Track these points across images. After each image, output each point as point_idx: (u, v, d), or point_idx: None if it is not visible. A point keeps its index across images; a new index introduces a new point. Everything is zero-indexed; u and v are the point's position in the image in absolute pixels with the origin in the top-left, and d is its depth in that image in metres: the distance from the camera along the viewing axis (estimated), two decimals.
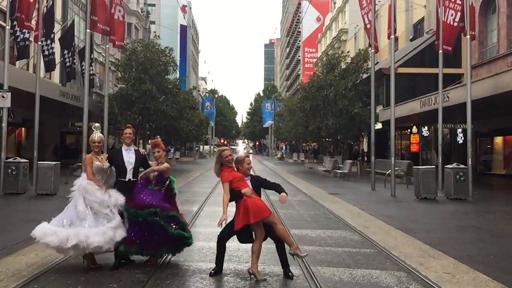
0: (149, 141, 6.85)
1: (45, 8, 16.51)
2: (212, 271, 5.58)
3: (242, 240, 5.67)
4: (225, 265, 5.96)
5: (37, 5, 15.90)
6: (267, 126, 66.60)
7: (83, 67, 18.54)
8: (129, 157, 6.07)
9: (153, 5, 71.61)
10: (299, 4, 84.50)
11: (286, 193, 5.67)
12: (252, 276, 5.41)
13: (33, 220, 9.08)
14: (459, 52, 24.55)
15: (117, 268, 5.73)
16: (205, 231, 8.33)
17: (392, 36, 15.94)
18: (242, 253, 6.62)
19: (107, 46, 18.64)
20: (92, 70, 22.92)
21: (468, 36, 15.07)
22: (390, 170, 15.72)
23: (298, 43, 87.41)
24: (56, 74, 27.82)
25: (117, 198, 5.81)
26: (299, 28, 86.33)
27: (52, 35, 18.25)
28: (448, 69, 22.07)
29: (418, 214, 11.03)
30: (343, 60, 30.66)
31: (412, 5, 31.34)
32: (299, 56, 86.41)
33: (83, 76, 18.22)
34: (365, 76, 28.50)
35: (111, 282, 5.26)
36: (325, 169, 26.09)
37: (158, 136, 6.53)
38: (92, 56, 21.97)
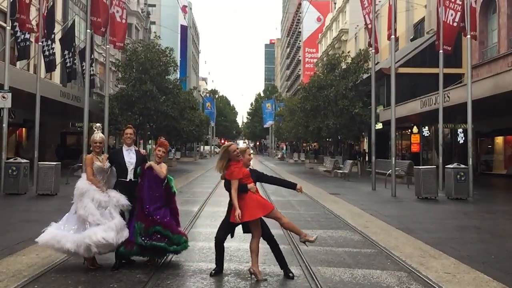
0: (160, 139, 6.85)
1: (46, 9, 16.49)
2: (213, 271, 5.58)
3: (246, 229, 5.66)
4: (225, 265, 5.96)
5: (38, 6, 15.90)
6: (268, 126, 66.61)
7: (84, 68, 18.53)
8: (129, 157, 6.07)
9: (154, 5, 71.65)
10: (300, 4, 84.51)
11: (296, 183, 5.84)
12: (253, 276, 5.41)
13: (33, 221, 9.12)
14: (459, 52, 24.56)
15: (118, 268, 5.73)
16: (205, 231, 8.33)
17: (393, 36, 15.93)
18: (242, 253, 6.61)
19: (107, 46, 18.65)
20: (93, 70, 22.93)
21: (468, 36, 15.07)
22: (390, 170, 15.72)
23: (299, 43, 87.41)
24: (56, 75, 27.86)
25: (119, 199, 5.80)
26: (299, 28, 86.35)
27: (53, 35, 18.26)
28: (449, 69, 22.05)
29: (419, 214, 11.02)
30: (343, 60, 30.66)
31: (412, 5, 31.34)
32: (299, 56, 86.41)
33: (84, 76, 18.22)
34: (365, 76, 28.49)
35: (112, 282, 5.26)
36: (326, 169, 26.09)
37: (163, 138, 6.54)
38: (92, 57, 21.96)
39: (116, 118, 26.00)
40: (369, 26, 17.82)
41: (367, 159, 34.10)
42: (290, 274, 5.49)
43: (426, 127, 28.87)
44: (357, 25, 43.22)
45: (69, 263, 5.97)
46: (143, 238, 5.68)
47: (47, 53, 18.07)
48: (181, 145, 56.61)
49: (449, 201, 13.37)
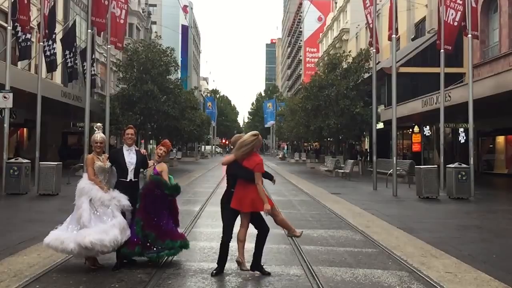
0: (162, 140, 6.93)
1: (47, 9, 16.50)
2: (214, 271, 5.58)
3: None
4: (227, 265, 5.96)
5: (38, 6, 15.93)
6: (269, 126, 66.61)
7: (85, 68, 18.53)
8: (130, 157, 6.07)
9: (154, 5, 71.68)
10: (301, 3, 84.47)
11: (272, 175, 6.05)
12: (238, 266, 5.49)
13: (35, 221, 9.13)
14: (460, 52, 24.52)
15: (119, 268, 5.73)
16: (206, 231, 8.34)
17: (394, 36, 15.93)
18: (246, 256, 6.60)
19: (108, 46, 18.68)
20: (94, 70, 22.94)
21: (469, 36, 15.05)
22: (392, 170, 15.70)
23: (300, 43, 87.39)
24: (57, 75, 27.87)
25: (120, 199, 5.81)
26: (300, 28, 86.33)
27: (54, 35, 18.27)
28: (450, 68, 22.01)
29: (420, 213, 11.02)
30: (344, 59, 30.64)
31: (413, 5, 31.31)
32: (300, 56, 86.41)
33: (85, 76, 18.23)
34: (366, 75, 28.47)
35: (113, 282, 5.27)
36: (327, 169, 26.07)
37: (167, 140, 6.57)
38: (93, 57, 21.98)
39: (117, 118, 26.00)
40: (371, 26, 17.83)
41: (368, 158, 34.08)
42: (262, 270, 5.59)
43: (427, 127, 28.84)
44: (358, 25, 43.19)
45: (71, 263, 5.98)
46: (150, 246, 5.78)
47: (48, 53, 18.08)
48: (182, 145, 56.62)
49: (450, 200, 13.36)
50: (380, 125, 25.26)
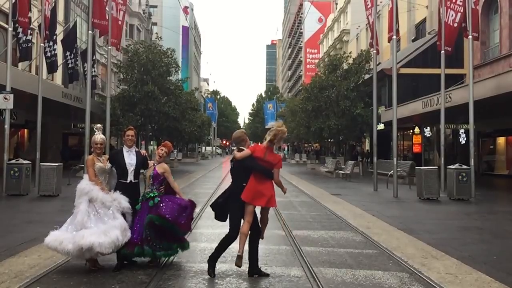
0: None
1: (49, 10, 16.53)
2: (212, 271, 5.56)
3: (219, 216, 5.82)
4: (227, 266, 5.98)
5: (39, 7, 15.96)
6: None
7: (85, 69, 18.58)
8: (130, 158, 6.08)
9: (155, 6, 71.76)
10: (301, 5, 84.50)
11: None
12: (238, 261, 5.47)
13: (35, 222, 9.13)
14: (461, 53, 24.52)
15: (120, 269, 5.74)
16: (207, 232, 8.34)
17: (394, 37, 15.94)
18: (243, 254, 6.59)
19: (109, 47, 18.69)
20: (94, 71, 22.96)
21: (470, 37, 15.05)
22: (392, 171, 15.70)
23: (300, 44, 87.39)
24: (58, 76, 27.91)
25: (120, 201, 5.81)
26: (301, 29, 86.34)
27: (55, 36, 18.30)
28: (450, 69, 22.02)
29: (421, 214, 11.01)
30: (345, 61, 30.67)
31: (414, 6, 31.32)
32: (301, 57, 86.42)
33: (85, 77, 18.27)
34: (367, 76, 28.48)
35: (114, 284, 5.27)
36: (327, 170, 26.07)
37: (168, 141, 6.58)
38: (94, 58, 22.01)
39: (118, 119, 26.03)
40: (371, 26, 17.84)
41: (368, 159, 34.06)
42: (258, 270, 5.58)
43: (428, 128, 28.82)
44: (359, 26, 43.22)
45: (71, 264, 5.97)
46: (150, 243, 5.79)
47: (49, 54, 18.11)
48: (183, 146, 56.62)
49: (451, 201, 13.35)
50: (381, 126, 25.26)
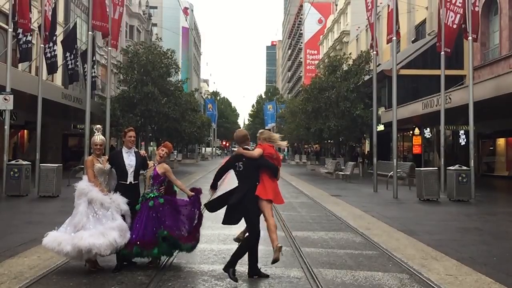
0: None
1: (50, 12, 16.55)
2: (233, 272, 5.45)
3: (230, 219, 5.75)
4: None
5: (39, 8, 15.96)
6: (269, 128, 66.60)
7: (85, 70, 18.58)
8: (129, 159, 6.07)
9: (155, 7, 71.79)
10: (301, 6, 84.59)
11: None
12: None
13: (35, 223, 9.13)
14: (461, 54, 24.54)
15: (119, 270, 5.73)
16: (207, 233, 8.32)
17: (394, 38, 15.94)
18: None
19: (109, 48, 18.70)
20: (94, 72, 22.96)
21: (470, 38, 15.06)
22: (392, 172, 15.70)
23: (300, 45, 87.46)
24: (58, 77, 27.91)
25: (119, 203, 5.80)
26: (300, 30, 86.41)
27: (55, 37, 18.31)
28: (450, 70, 22.03)
29: (421, 216, 11.00)
30: (345, 62, 30.68)
31: (414, 7, 31.34)
32: (301, 58, 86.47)
33: (85, 78, 18.27)
34: (367, 77, 28.49)
35: (113, 284, 5.27)
36: (327, 171, 26.06)
37: (167, 142, 6.58)
38: (94, 59, 22.00)
39: (118, 120, 26.03)
40: (371, 28, 17.85)
41: (367, 161, 34.06)
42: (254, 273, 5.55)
43: (428, 129, 28.83)
44: (359, 27, 43.26)
45: (71, 265, 5.97)
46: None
47: (49, 55, 18.11)
48: (183, 146, 56.62)
49: (450, 203, 13.35)
50: (381, 127, 25.25)
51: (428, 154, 29.72)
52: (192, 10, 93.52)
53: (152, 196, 5.93)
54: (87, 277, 5.51)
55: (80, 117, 22.04)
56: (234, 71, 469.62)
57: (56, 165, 14.32)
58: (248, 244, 5.56)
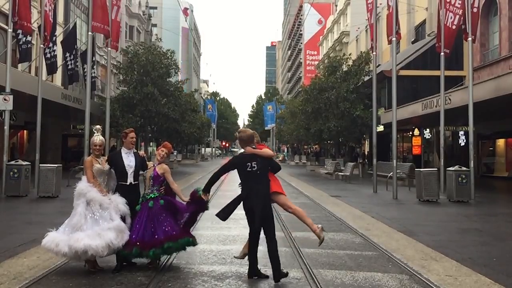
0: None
1: (51, 11, 16.55)
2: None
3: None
4: (227, 268, 5.98)
5: (39, 9, 15.95)
6: (269, 129, 66.60)
7: (85, 70, 18.59)
8: (129, 160, 6.07)
9: (155, 8, 71.82)
10: (301, 6, 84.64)
11: None
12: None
13: (34, 223, 9.12)
14: (461, 55, 24.55)
15: (119, 270, 5.73)
16: (206, 234, 8.33)
17: (394, 39, 15.95)
18: (244, 255, 6.59)
19: (109, 49, 18.69)
20: (94, 72, 22.97)
21: (469, 39, 15.07)
22: (392, 173, 15.69)
23: (300, 46, 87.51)
24: (58, 77, 27.90)
25: (118, 204, 5.79)
26: (300, 31, 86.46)
27: (54, 38, 18.30)
28: (450, 71, 22.02)
29: (420, 216, 11.00)
30: (344, 62, 30.70)
31: (413, 8, 31.35)
32: (300, 59, 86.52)
33: (85, 78, 18.27)
34: (367, 78, 28.51)
35: (113, 285, 5.26)
36: (327, 171, 26.06)
37: (166, 142, 6.57)
38: (94, 59, 22.01)
39: (117, 120, 26.03)
40: (371, 29, 17.86)
41: (367, 161, 34.07)
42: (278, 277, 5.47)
43: (428, 130, 28.84)
44: (358, 28, 43.27)
45: (70, 265, 5.97)
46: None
47: (48, 55, 18.11)
48: (182, 147, 56.64)
49: (450, 203, 13.35)
50: (380, 128, 25.26)
51: (427, 155, 29.73)
52: (192, 11, 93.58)
53: (152, 196, 5.93)
54: (86, 278, 5.50)
55: (79, 118, 22.07)
56: (234, 71, 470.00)
57: (56, 165, 14.31)
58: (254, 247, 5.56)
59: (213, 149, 75.20)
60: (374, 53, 17.77)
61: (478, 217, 11.08)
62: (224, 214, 5.64)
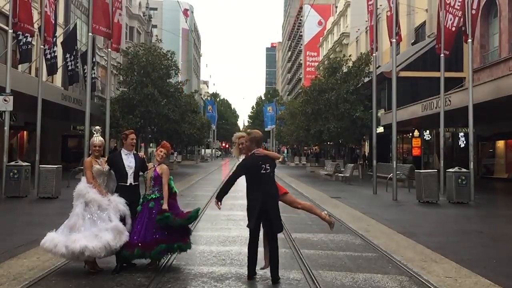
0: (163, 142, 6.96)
1: (52, 12, 16.56)
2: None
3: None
4: (226, 269, 5.98)
5: (39, 10, 15.96)
6: (269, 130, 66.62)
7: (85, 71, 18.60)
8: (129, 161, 6.08)
9: (155, 9, 71.91)
10: (301, 8, 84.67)
11: None
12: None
13: (34, 224, 9.12)
14: (461, 56, 24.56)
15: (119, 271, 5.72)
16: (206, 235, 8.33)
17: (394, 40, 15.97)
18: (243, 257, 6.58)
19: (109, 50, 18.70)
20: (94, 73, 22.96)
21: (469, 41, 15.08)
22: (391, 174, 15.69)
23: (300, 47, 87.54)
24: (58, 78, 27.92)
25: (118, 204, 5.80)
26: (300, 32, 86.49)
27: (55, 38, 18.31)
28: (450, 73, 22.03)
29: (420, 218, 11.01)
30: (344, 63, 30.72)
31: (413, 9, 31.37)
32: (300, 60, 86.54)
33: (85, 79, 18.28)
34: (366, 79, 28.53)
35: (113, 286, 5.26)
36: (327, 172, 26.07)
37: (166, 142, 6.56)
38: (94, 60, 22.01)
39: (118, 121, 26.03)
40: (371, 30, 17.88)
41: (367, 162, 34.07)
42: (277, 277, 5.46)
43: (427, 131, 28.84)
44: (358, 29, 43.29)
45: (70, 266, 5.97)
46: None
47: (48, 56, 18.11)
48: (182, 148, 56.64)
49: (450, 205, 13.35)
50: (380, 129, 25.27)
51: (427, 156, 29.74)
52: (192, 12, 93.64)
53: (153, 197, 5.93)
54: (86, 279, 5.50)
55: (80, 119, 22.03)
56: (234, 72, 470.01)
57: (56, 166, 14.31)
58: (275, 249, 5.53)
59: (213, 150, 75.19)
60: (374, 54, 17.78)
61: (478, 218, 11.08)
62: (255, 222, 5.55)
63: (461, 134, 25.09)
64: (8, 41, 14.84)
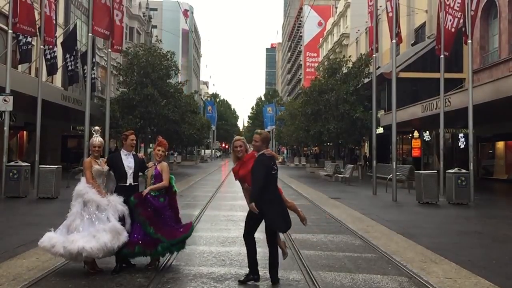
0: (158, 138, 6.90)
1: (53, 14, 16.56)
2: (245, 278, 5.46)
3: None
4: (226, 269, 5.97)
5: (39, 10, 15.96)
6: (269, 130, 66.65)
7: (85, 71, 18.59)
8: (128, 161, 6.09)
9: (155, 9, 71.92)
10: (301, 8, 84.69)
11: None
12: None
13: (34, 224, 9.12)
14: (460, 57, 24.58)
15: (118, 272, 5.72)
16: (206, 235, 8.33)
17: (394, 41, 15.97)
18: (243, 257, 6.58)
19: (109, 50, 18.69)
20: (94, 74, 22.97)
21: (469, 41, 15.09)
22: (391, 175, 15.69)
23: (300, 48, 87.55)
24: (58, 78, 27.91)
25: (116, 204, 5.79)
26: (300, 33, 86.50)
27: (55, 39, 18.31)
28: (450, 74, 22.05)
29: (420, 219, 11.00)
30: (344, 64, 30.73)
31: (413, 10, 31.39)
32: (300, 61, 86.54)
33: (85, 80, 18.27)
34: (366, 80, 28.53)
35: (112, 286, 5.26)
36: (327, 173, 26.05)
37: (161, 137, 6.53)
38: (94, 60, 22.02)
39: (117, 121, 26.04)
40: (371, 32, 17.89)
41: (367, 163, 34.06)
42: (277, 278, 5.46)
43: (427, 132, 28.84)
44: (358, 30, 43.30)
45: (70, 266, 5.96)
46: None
47: (48, 56, 18.12)
48: (182, 148, 56.64)
49: (450, 206, 13.35)
50: (380, 130, 25.27)
51: (427, 157, 29.73)
52: (192, 12, 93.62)
53: (153, 195, 5.93)
54: (85, 279, 5.50)
55: (79, 119, 22.02)
56: (234, 73, 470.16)
57: (55, 166, 14.30)
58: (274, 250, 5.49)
59: (213, 150, 75.18)
60: (374, 55, 17.79)
61: (478, 219, 11.08)
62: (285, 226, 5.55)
63: (461, 135, 25.08)
64: (8, 41, 14.83)
